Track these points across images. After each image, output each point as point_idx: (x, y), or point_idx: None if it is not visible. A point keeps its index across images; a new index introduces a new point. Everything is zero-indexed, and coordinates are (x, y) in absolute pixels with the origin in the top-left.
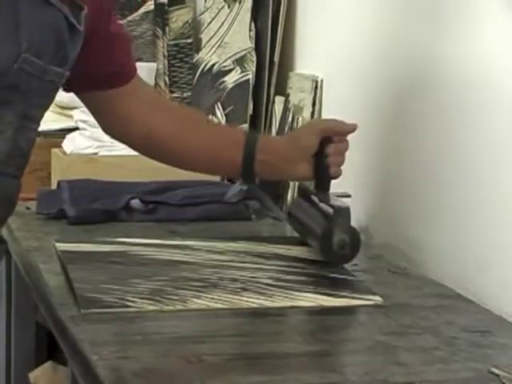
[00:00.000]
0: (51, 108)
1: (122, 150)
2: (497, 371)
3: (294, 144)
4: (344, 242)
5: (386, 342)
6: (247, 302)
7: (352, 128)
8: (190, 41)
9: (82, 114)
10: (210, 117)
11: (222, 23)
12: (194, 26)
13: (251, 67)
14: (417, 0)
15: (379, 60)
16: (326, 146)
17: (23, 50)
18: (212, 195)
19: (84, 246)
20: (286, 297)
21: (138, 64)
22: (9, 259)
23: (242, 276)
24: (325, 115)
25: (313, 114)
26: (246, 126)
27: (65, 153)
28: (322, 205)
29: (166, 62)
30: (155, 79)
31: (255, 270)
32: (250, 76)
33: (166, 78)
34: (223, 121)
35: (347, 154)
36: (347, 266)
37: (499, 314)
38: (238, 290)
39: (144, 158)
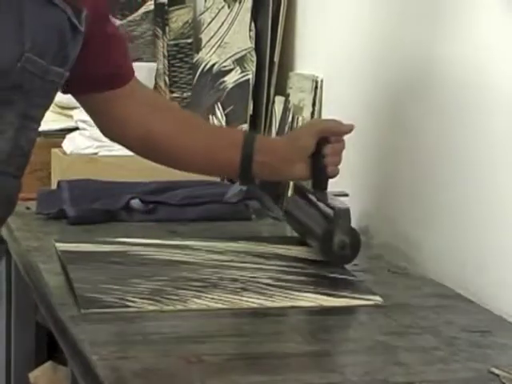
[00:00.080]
0: (51, 108)
1: (121, 150)
2: (497, 371)
3: (292, 144)
4: (344, 244)
5: (386, 342)
6: (247, 301)
7: (349, 128)
8: (190, 41)
9: (82, 114)
10: (210, 117)
11: (222, 23)
12: (194, 26)
13: (251, 67)
14: (416, 0)
15: (379, 60)
16: (323, 147)
17: (26, 49)
18: (212, 195)
19: (84, 245)
20: (286, 297)
21: (137, 64)
22: (9, 259)
23: (242, 276)
24: (325, 115)
25: (313, 114)
26: (245, 126)
27: (65, 153)
28: (320, 204)
29: (166, 62)
30: (155, 79)
31: (255, 270)
32: (250, 76)
33: (166, 78)
34: (223, 121)
35: (346, 153)
36: (347, 265)
37: (499, 313)
38: (238, 289)
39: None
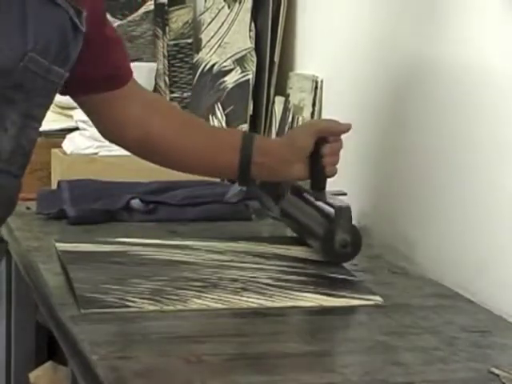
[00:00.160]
0: (51, 108)
1: (121, 150)
2: (497, 371)
3: (290, 145)
4: (346, 242)
5: (386, 342)
6: (247, 301)
7: (346, 128)
8: (190, 41)
9: (82, 114)
10: (210, 117)
11: (222, 23)
12: (194, 26)
13: (251, 67)
14: (416, 0)
15: (379, 60)
16: (321, 147)
17: (29, 48)
18: (212, 195)
19: (84, 245)
20: (285, 297)
21: (137, 64)
22: (9, 259)
23: (241, 276)
24: (325, 115)
25: (313, 114)
26: (245, 126)
27: (65, 153)
28: (319, 204)
29: (166, 62)
30: (155, 79)
31: (255, 270)
32: (250, 76)
33: (166, 78)
34: (223, 121)
35: (346, 153)
36: (347, 265)
37: (499, 313)
38: (238, 289)
39: None
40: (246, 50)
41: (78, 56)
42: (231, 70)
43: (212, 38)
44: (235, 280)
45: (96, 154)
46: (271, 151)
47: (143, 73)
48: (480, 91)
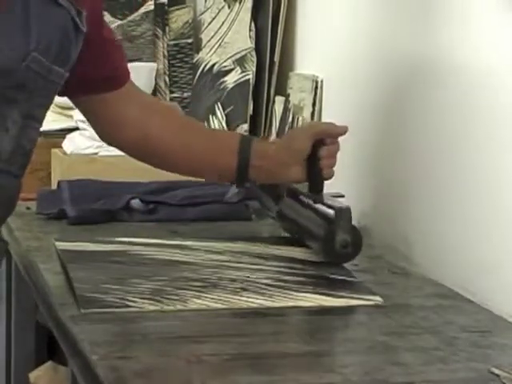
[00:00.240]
0: (51, 108)
1: None
2: (497, 371)
3: (287, 148)
4: (346, 242)
5: (386, 342)
6: (247, 301)
7: (343, 130)
8: (190, 41)
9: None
10: (210, 117)
11: (222, 23)
12: (194, 26)
13: (251, 67)
14: (416, 0)
15: (379, 60)
16: (318, 149)
17: (32, 48)
18: (212, 195)
19: (84, 245)
20: (285, 297)
21: (137, 64)
22: (9, 259)
23: (241, 276)
24: (325, 115)
25: (313, 114)
26: (245, 126)
27: (65, 153)
28: (317, 205)
29: (166, 62)
30: (155, 79)
31: (255, 270)
32: (250, 76)
33: (166, 78)
34: (223, 121)
35: (346, 153)
36: (348, 265)
37: (499, 314)
38: (238, 290)
39: None
40: (246, 49)
41: (78, 56)
42: (231, 70)
43: (212, 37)
44: (235, 280)
45: (96, 153)
46: (269, 154)
47: (143, 73)
48: (478, 92)
